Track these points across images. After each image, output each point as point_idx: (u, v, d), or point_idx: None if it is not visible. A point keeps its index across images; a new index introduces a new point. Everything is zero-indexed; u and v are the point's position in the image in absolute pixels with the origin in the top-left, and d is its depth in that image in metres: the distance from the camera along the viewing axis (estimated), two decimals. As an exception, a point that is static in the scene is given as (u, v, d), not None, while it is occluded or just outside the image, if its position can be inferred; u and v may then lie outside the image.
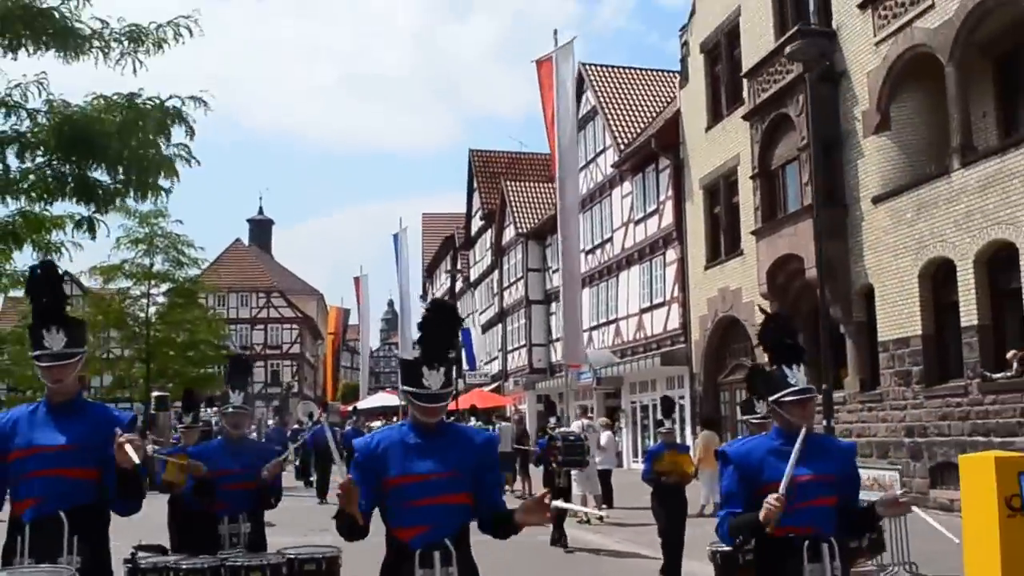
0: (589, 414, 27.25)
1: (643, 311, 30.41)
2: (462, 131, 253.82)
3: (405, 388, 4.55)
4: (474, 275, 50.92)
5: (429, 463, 4.49)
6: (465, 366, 47.53)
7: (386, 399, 43.76)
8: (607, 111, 32.50)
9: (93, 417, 4.73)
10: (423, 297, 68.75)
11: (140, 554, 6.10)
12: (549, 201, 38.67)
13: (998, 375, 15.97)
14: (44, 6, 8.63)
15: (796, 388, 4.72)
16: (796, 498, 4.54)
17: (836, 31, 20.47)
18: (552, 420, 17.90)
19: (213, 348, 36.29)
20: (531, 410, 38.12)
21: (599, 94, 33.15)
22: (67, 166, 8.68)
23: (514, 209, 41.07)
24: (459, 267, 49.71)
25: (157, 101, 9.27)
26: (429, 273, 64.18)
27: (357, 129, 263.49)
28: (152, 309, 33.29)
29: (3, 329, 42.62)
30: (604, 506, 18.43)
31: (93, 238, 9.38)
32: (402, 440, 4.58)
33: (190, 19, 9.56)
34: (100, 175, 8.84)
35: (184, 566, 5.84)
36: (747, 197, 23.54)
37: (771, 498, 4.43)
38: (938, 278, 17.74)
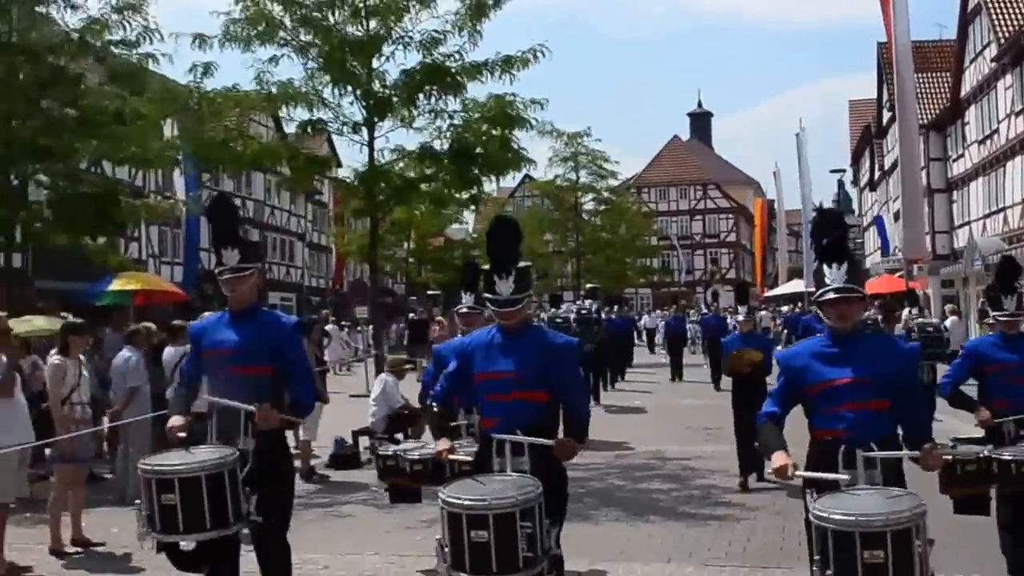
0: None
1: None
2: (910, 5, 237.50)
3: (485, 295, 5.27)
4: (887, 163, 52.46)
5: (505, 362, 5.11)
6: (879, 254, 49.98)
7: (796, 286, 47.40)
8: (989, 4, 33.61)
9: (262, 322, 5.64)
10: (854, 183, 70.61)
11: (379, 442, 7.65)
12: (950, 92, 40.06)
13: None
14: (440, 63, 14.28)
15: (832, 287, 4.68)
16: (833, 401, 4.66)
17: None
18: (914, 311, 16.74)
19: (634, 244, 42.44)
20: (936, 295, 40.34)
21: (985, -12, 34.23)
22: (457, 166, 14.47)
23: (917, 100, 42.52)
24: (875, 156, 51.70)
25: (513, 100, 14.65)
26: (855, 160, 65.73)
27: (805, 4, 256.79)
28: (584, 216, 39.89)
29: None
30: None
31: (476, 208, 15.37)
32: (488, 341, 5.26)
33: (543, 47, 14.77)
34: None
35: (411, 456, 6.95)
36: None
37: (789, 468, 4.53)
38: None
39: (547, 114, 47.46)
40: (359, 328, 33.99)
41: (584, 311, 19.81)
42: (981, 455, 6.31)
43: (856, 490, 4.43)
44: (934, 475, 5.63)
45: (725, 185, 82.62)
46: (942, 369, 9.06)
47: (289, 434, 13.63)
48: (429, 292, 44.97)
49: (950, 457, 6.03)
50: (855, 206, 68.21)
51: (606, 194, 40.01)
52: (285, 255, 49.38)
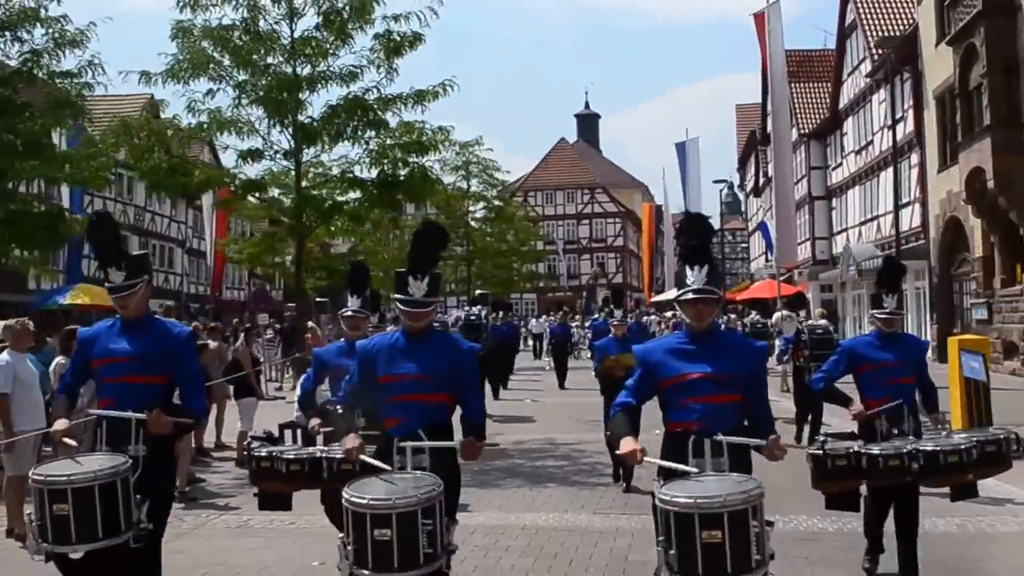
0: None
1: (898, 208, 35.45)
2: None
3: (396, 296, 5.54)
4: (771, 170, 56.25)
5: (409, 365, 5.44)
6: (766, 258, 53.62)
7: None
8: (864, 22, 37.20)
9: (156, 332, 5.88)
10: (741, 187, 74.63)
11: (254, 443, 7.37)
12: (829, 102, 43.68)
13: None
14: (360, 97, 16.43)
15: (691, 288, 5.12)
16: (685, 394, 5.09)
17: (1017, -33, 24.79)
18: (801, 314, 18.37)
19: (523, 252, 44.92)
20: (815, 298, 43.90)
21: (859, 5, 37.83)
22: (380, 191, 16.73)
23: (798, 110, 46.14)
24: (759, 162, 55.37)
25: (422, 126, 16.96)
26: (742, 164, 69.64)
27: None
28: (473, 223, 42.26)
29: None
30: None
31: (397, 227, 17.56)
32: (391, 344, 5.56)
33: (450, 82, 17.00)
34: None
35: (287, 456, 6.95)
36: (961, 112, 28.25)
37: (637, 454, 4.97)
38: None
39: (439, 117, 49.51)
40: (258, 335, 35.51)
41: (473, 317, 21.20)
42: (851, 450, 6.77)
43: (701, 476, 4.91)
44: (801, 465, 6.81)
45: (612, 189, 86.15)
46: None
47: (230, 427, 15.79)
48: (318, 300, 46.79)
49: (797, 448, 6.62)
50: (743, 208, 72.06)
51: (497, 202, 42.35)
52: (164, 262, 50.52)
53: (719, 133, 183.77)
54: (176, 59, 15.29)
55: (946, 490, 7.33)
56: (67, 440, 5.82)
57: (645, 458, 5.00)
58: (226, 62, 15.85)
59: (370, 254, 48.77)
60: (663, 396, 5.22)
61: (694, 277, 5.11)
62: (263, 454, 7.04)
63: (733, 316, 37.62)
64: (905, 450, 6.65)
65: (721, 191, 67.51)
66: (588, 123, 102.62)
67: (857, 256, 37.40)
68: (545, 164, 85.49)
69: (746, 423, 5.21)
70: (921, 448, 6.66)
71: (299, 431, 7.60)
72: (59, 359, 10.81)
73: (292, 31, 16.39)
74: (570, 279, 78.85)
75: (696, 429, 5.05)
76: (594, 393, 23.02)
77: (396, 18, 16.18)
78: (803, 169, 46.16)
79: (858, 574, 7.75)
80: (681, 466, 4.97)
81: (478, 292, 39.65)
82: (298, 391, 8.16)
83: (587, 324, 38.78)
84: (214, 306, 51.83)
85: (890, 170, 35.96)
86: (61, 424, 5.84)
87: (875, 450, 6.72)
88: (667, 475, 4.99)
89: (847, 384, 7.49)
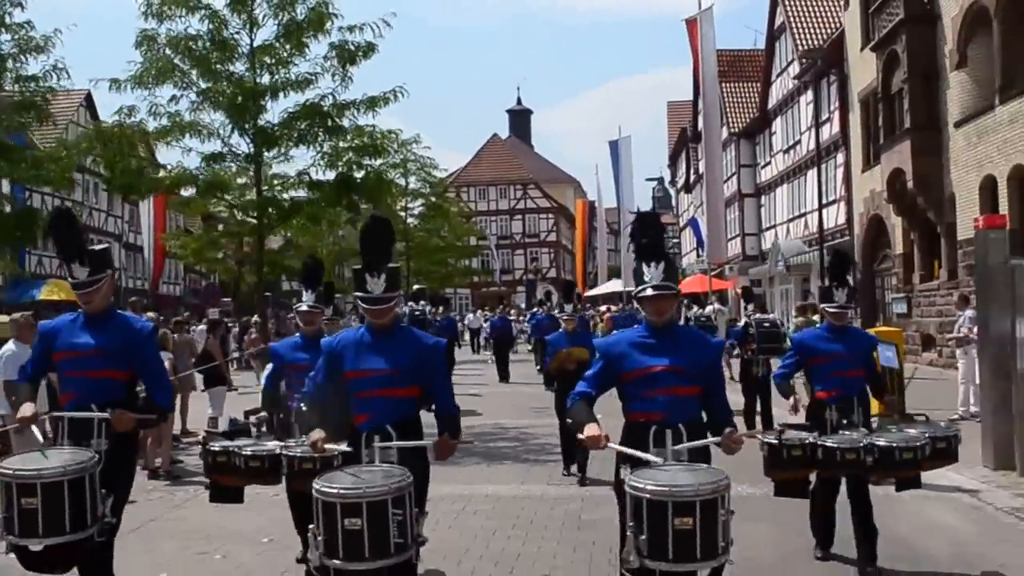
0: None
1: (822, 206, 37.11)
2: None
3: (356, 294, 5.61)
4: (701, 168, 57.99)
5: (376, 361, 5.52)
6: (697, 253, 55.29)
7: (616, 285, 52.00)
8: (793, 25, 38.81)
9: (119, 326, 6.06)
10: (672, 183, 76.46)
11: (209, 439, 7.49)
12: (759, 102, 45.33)
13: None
14: (316, 103, 17.37)
15: (650, 284, 5.31)
16: (649, 386, 5.28)
17: (936, -21, 26.38)
18: (750, 307, 17.62)
19: (459, 247, 46.04)
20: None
21: (788, 8, 39.45)
22: (338, 192, 17.68)
23: (727, 109, 47.75)
24: (690, 160, 57.06)
25: (372, 130, 17.96)
26: (673, 160, 71.37)
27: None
28: (411, 220, 43.19)
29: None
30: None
31: (356, 226, 18.59)
32: (357, 340, 5.65)
33: (401, 88, 17.98)
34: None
35: (245, 452, 6.89)
36: (883, 114, 29.88)
37: (602, 439, 5.15)
38: (992, 191, 24.02)
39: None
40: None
41: (417, 312, 21.57)
42: (807, 441, 7.05)
43: (666, 466, 5.10)
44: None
45: (545, 184, 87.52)
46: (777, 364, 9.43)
47: (205, 415, 16.75)
48: (266, 293, 47.47)
49: (755, 440, 6.85)
50: (673, 204, 73.74)
51: (434, 199, 43.29)
52: (103, 257, 50.85)
53: (651, 128, 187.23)
54: (144, 66, 16.12)
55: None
56: (35, 429, 6.09)
57: (608, 444, 5.20)
58: (188, 68, 16.67)
59: (309, 249, 49.76)
60: (625, 388, 5.43)
61: (651, 274, 5.33)
62: (217, 448, 7.11)
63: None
64: (861, 444, 6.89)
65: (654, 188, 69.18)
66: (520, 119, 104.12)
67: (785, 252, 39.09)
68: (478, 160, 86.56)
69: (704, 416, 5.44)
70: (877, 443, 6.92)
71: (274, 418, 7.87)
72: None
73: (252, 40, 17.22)
74: (504, 274, 80.00)
75: (659, 420, 5.26)
76: (536, 385, 24.20)
77: (351, 29, 17.13)
78: (733, 167, 47.84)
79: (780, 525, 8.93)
80: (645, 455, 5.17)
81: (415, 287, 40.68)
82: (262, 387, 8.45)
83: (527, 319, 39.81)
84: (152, 301, 52.14)
85: (816, 169, 37.63)
86: (28, 409, 6.01)
87: (831, 443, 6.98)
88: (634, 462, 5.18)
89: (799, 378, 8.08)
